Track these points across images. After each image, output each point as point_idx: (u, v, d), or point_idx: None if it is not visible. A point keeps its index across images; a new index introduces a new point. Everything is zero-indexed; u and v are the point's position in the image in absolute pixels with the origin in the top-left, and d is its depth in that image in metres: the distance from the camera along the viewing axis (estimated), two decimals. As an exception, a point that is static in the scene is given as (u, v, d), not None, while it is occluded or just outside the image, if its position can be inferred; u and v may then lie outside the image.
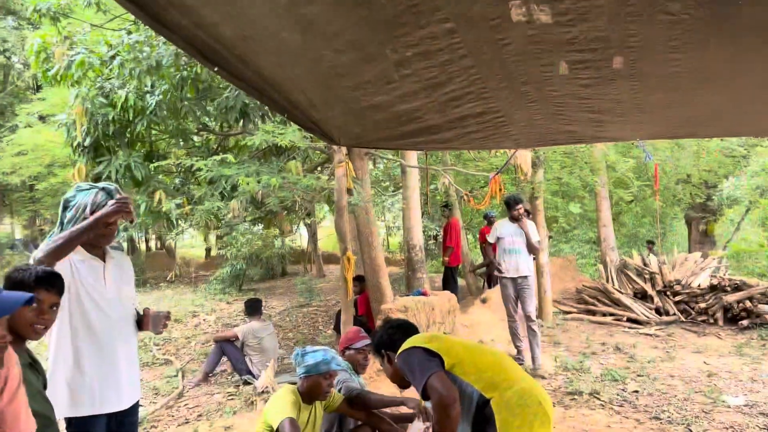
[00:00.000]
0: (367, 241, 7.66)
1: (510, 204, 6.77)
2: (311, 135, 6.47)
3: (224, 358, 6.40)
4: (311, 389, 3.00)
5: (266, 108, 7.31)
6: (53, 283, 2.16)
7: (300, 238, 21.67)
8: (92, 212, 2.59)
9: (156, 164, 6.93)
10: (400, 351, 2.41)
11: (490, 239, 7.05)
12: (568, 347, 7.98)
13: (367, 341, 3.58)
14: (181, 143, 8.52)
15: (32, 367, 2.21)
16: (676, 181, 14.16)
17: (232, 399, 5.56)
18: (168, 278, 15.93)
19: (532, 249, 6.85)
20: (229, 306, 11.26)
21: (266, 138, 6.00)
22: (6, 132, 17.71)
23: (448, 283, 9.48)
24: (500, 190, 6.98)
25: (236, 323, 8.86)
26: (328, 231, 21.44)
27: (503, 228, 6.86)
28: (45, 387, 2.26)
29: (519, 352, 6.95)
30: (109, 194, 2.65)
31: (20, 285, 2.08)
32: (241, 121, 6.75)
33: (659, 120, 3.72)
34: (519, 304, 6.88)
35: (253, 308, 6.57)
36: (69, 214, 2.61)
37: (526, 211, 10.39)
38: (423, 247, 8.65)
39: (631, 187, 12.05)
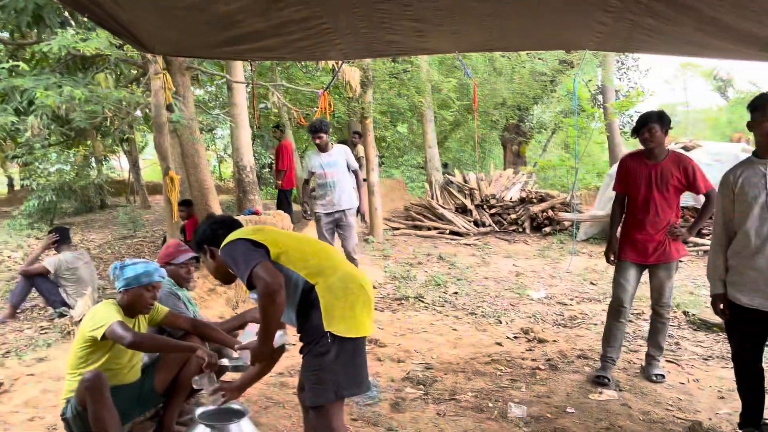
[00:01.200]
0: (192, 162, 7.26)
1: (311, 131, 6.12)
2: (122, 43, 5.84)
3: (35, 293, 5.81)
4: (133, 302, 2.85)
5: (67, 14, 6.44)
6: None
7: (120, 169, 20.04)
8: None
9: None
10: (225, 243, 2.35)
11: (304, 176, 6.34)
12: (396, 259, 8.44)
13: (189, 255, 3.44)
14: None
15: None
16: (494, 105, 15.21)
17: (45, 333, 5.11)
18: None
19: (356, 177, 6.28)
20: (38, 242, 10.17)
21: (66, 44, 5.29)
22: None
23: (282, 206, 9.41)
24: (330, 106, 6.91)
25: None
26: (153, 161, 20.04)
27: (311, 160, 6.14)
28: None
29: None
30: None
31: None
32: (36, 27, 5.87)
33: (476, 31, 3.88)
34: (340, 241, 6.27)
35: (62, 237, 5.97)
36: None
37: (356, 133, 10.57)
38: (254, 168, 8.42)
39: (452, 107, 12.68)
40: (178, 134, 6.81)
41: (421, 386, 3.91)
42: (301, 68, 10.17)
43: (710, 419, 3.40)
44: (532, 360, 4.45)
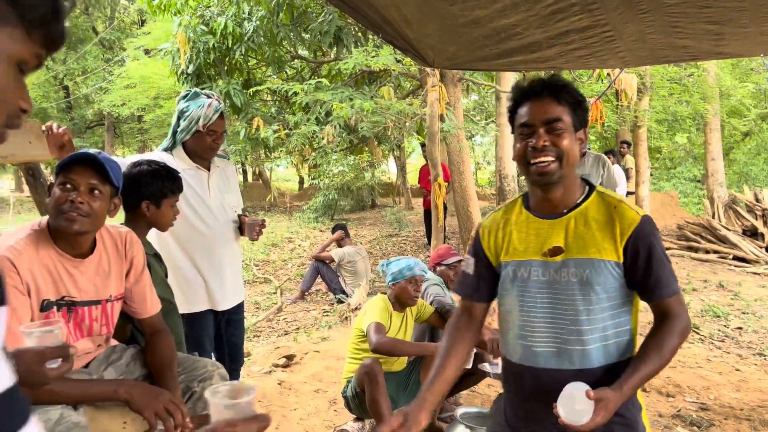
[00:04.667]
0: (458, 169, 7.60)
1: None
2: (404, 59, 6.39)
3: (318, 279, 6.71)
4: (399, 295, 3.13)
5: (359, 34, 7.27)
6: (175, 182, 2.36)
7: (389, 172, 21.85)
8: (204, 126, 2.72)
9: (254, 89, 7.12)
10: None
11: None
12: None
13: (459, 257, 3.62)
14: (277, 72, 8.71)
15: (156, 257, 2.43)
16: (800, 111, 12.89)
17: (327, 315, 5.85)
18: (265, 208, 16.67)
19: None
20: (321, 233, 11.67)
21: (360, 61, 6.00)
22: (115, 66, 18.77)
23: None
24: (601, 117, 6.61)
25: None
26: (417, 165, 21.45)
27: None
28: (166, 276, 2.48)
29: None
30: (217, 110, 2.77)
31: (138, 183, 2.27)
32: (335, 47, 6.77)
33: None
34: None
35: (346, 233, 6.79)
36: (183, 124, 2.76)
37: (624, 142, 9.88)
38: (515, 177, 8.48)
39: (747, 115, 11.04)
40: (446, 142, 7.20)
41: (695, 427, 3.51)
42: (569, 73, 9.90)
43: None
44: None
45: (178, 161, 2.75)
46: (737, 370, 4.65)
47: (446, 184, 6.64)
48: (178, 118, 2.79)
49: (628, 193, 8.13)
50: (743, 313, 6.40)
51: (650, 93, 8.65)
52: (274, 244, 10.00)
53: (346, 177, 13.75)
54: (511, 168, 8.44)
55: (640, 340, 1.67)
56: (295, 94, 6.49)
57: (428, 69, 6.07)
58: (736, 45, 3.76)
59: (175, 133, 2.80)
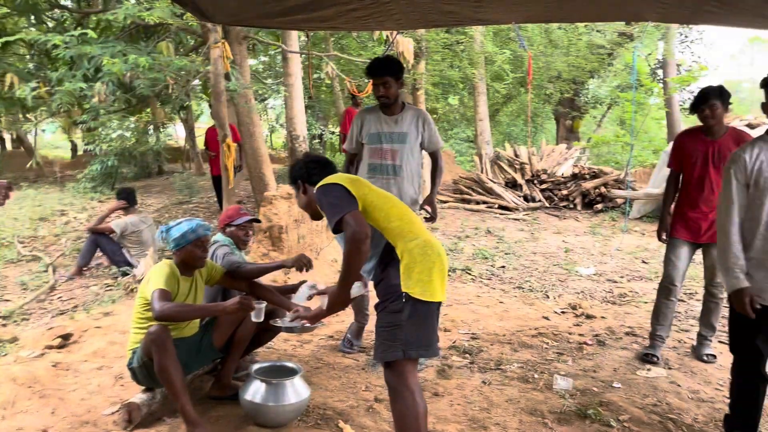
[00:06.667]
0: (248, 130, 7.45)
1: (370, 73, 3.83)
2: (183, 12, 5.99)
3: (99, 253, 6.14)
4: (185, 260, 3.00)
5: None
6: None
7: (177, 136, 20.59)
8: None
9: (3, 39, 6.11)
10: (322, 184, 2.47)
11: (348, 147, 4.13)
12: (444, 232, 8.47)
13: (248, 217, 3.59)
14: (34, 24, 7.59)
15: None
16: (548, 78, 14.86)
17: (110, 290, 5.41)
18: (30, 178, 14.65)
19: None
20: (101, 204, 10.64)
21: (131, 12, 5.48)
22: None
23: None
24: (383, 78, 6.90)
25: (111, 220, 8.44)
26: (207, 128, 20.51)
27: (364, 125, 3.90)
28: None
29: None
30: None
31: None
32: (102, -5, 6.10)
33: (535, 1, 3.82)
34: None
35: (129, 200, 6.25)
36: None
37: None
38: (306, 138, 8.56)
39: (506, 80, 12.46)
40: (234, 102, 6.99)
41: (467, 355, 3.98)
42: (355, 38, 10.19)
43: None
44: (579, 335, 4.45)
45: None
46: (501, 302, 5.35)
47: (236, 145, 6.45)
48: None
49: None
50: (506, 254, 7.33)
51: (426, 57, 9.28)
52: (43, 218, 8.88)
53: (127, 142, 12.63)
54: (303, 128, 8.50)
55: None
56: (56, 46, 5.71)
57: (209, 25, 5.79)
58: (492, 12, 4.18)
59: None
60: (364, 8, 3.97)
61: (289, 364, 3.09)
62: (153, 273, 2.94)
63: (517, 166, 11.26)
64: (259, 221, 4.40)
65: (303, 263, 3.31)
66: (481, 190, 10.92)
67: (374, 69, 3.71)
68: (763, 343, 2.62)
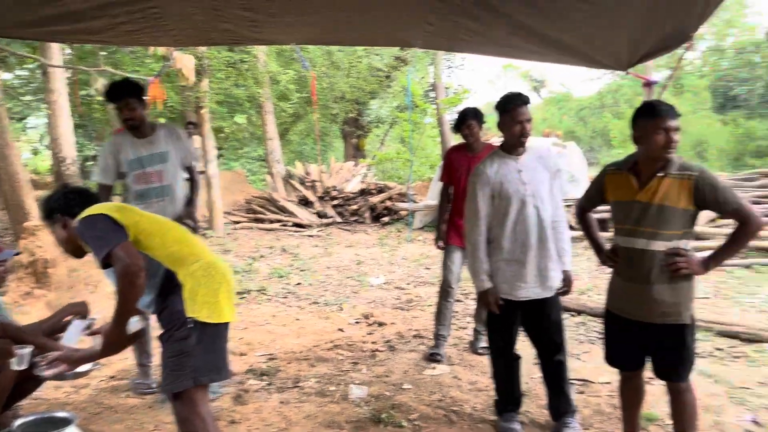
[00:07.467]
0: (2, 153, 6.51)
1: (110, 97, 3.58)
2: None
3: None
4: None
5: None
6: None
7: None
8: None
9: None
10: (84, 215, 2.19)
11: (99, 179, 3.73)
12: (237, 253, 8.27)
13: (7, 252, 3.11)
14: None
15: None
16: (333, 99, 15.43)
17: None
18: None
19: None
20: None
21: None
22: None
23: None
24: (161, 95, 6.56)
25: None
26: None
27: (120, 151, 3.60)
28: None
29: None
30: None
31: None
32: None
33: (309, 23, 3.93)
34: None
35: None
36: None
37: (190, 123, 10.12)
38: (76, 160, 7.74)
39: (292, 99, 12.64)
40: (-19, 123, 6.07)
41: (265, 377, 3.91)
42: (128, 53, 9.52)
43: (526, 383, 3.82)
44: (372, 343, 4.64)
45: None
46: (297, 319, 5.37)
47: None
48: None
49: (201, 172, 8.35)
50: (301, 270, 7.40)
51: (209, 75, 9.02)
52: None
53: None
54: (71, 150, 7.66)
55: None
56: None
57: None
58: (269, 33, 4.21)
59: None
60: (134, 22, 3.73)
61: (61, 414, 2.73)
62: None
63: (308, 184, 11.47)
64: (18, 254, 3.85)
65: (77, 312, 2.94)
66: (274, 209, 10.90)
67: (113, 92, 3.52)
68: (515, 329, 3.08)
